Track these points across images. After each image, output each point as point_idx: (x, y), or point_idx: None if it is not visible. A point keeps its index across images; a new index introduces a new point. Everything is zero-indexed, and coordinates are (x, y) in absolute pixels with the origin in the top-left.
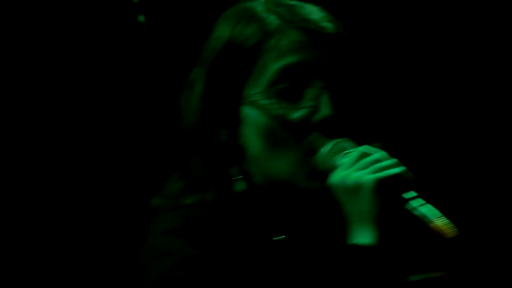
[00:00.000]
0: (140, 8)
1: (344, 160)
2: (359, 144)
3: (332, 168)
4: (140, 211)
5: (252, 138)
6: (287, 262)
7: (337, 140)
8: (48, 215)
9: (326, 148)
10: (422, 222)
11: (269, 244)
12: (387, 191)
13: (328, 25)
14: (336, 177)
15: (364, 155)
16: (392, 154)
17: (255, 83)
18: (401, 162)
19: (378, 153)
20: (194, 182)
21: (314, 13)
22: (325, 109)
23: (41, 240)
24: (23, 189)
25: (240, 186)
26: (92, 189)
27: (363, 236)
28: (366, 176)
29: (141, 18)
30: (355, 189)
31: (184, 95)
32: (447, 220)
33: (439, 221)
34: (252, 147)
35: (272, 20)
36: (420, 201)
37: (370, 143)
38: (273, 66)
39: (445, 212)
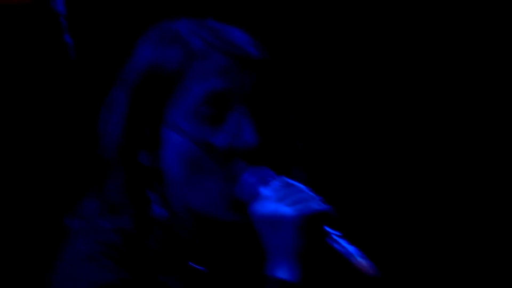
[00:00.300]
0: (67, 28)
1: (265, 189)
2: (280, 172)
3: (251, 198)
4: (51, 227)
5: (172, 162)
6: None
7: (259, 168)
8: None
9: (247, 175)
10: (344, 260)
11: (187, 274)
12: (309, 227)
13: (252, 50)
14: (256, 207)
15: (287, 185)
16: (313, 179)
17: (177, 105)
18: (320, 194)
19: (299, 185)
20: (110, 204)
21: (239, 37)
22: (247, 135)
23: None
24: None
25: (158, 212)
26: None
27: (282, 271)
28: (287, 208)
29: (67, 38)
30: (277, 222)
31: (103, 115)
32: (369, 260)
33: (362, 260)
34: (171, 172)
35: (196, 42)
36: (342, 239)
37: (291, 169)
38: (196, 90)
39: (366, 251)
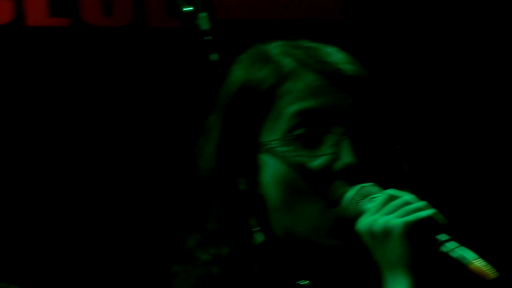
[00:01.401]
0: (213, 46)
1: (371, 204)
2: (386, 188)
3: (358, 215)
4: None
5: (271, 188)
6: None
7: (363, 185)
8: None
9: (351, 193)
10: (459, 265)
11: None
12: (418, 235)
13: (347, 67)
14: (363, 223)
15: (392, 198)
16: (421, 198)
17: (271, 129)
18: (431, 204)
19: (406, 196)
20: (210, 235)
21: (333, 54)
22: (346, 157)
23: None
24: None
25: (259, 238)
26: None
27: (397, 284)
28: (395, 220)
29: (214, 56)
30: (384, 234)
31: (200, 142)
32: (485, 261)
33: (478, 263)
34: (271, 198)
35: (288, 63)
36: (454, 243)
37: (397, 188)
38: (289, 110)
39: (481, 254)
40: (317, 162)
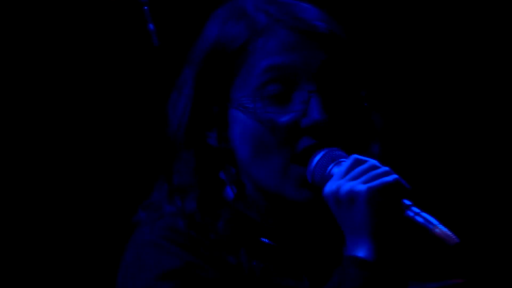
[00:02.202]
0: (149, 16)
1: (337, 169)
2: (351, 152)
3: (324, 179)
4: (124, 221)
5: (239, 142)
6: (275, 271)
7: (328, 149)
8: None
9: (316, 158)
10: (422, 231)
11: (256, 250)
12: (382, 201)
13: (320, 24)
14: (329, 188)
15: (358, 162)
16: (387, 161)
17: (242, 85)
18: (395, 170)
19: (372, 161)
20: (179, 188)
21: (307, 11)
22: (314, 113)
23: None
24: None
25: (230, 192)
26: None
27: (360, 249)
28: (360, 186)
29: (150, 26)
30: (349, 200)
31: (172, 97)
32: (447, 228)
33: (442, 228)
34: (240, 152)
35: (261, 18)
36: (417, 209)
37: (364, 149)
38: (260, 67)
39: (443, 220)
40: (285, 118)
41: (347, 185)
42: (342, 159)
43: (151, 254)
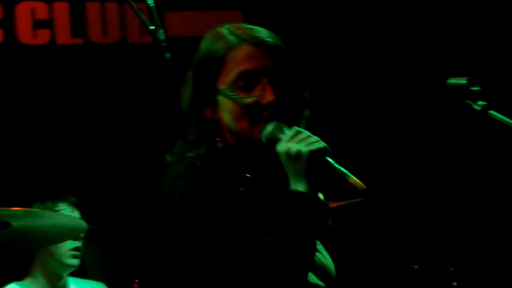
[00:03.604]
0: (166, 47)
1: (284, 135)
2: (291, 124)
3: (274, 141)
4: (155, 167)
5: (225, 115)
6: (253, 196)
7: (276, 122)
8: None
9: (269, 127)
10: (341, 178)
11: (242, 181)
12: (316, 158)
13: (270, 40)
14: (281, 147)
15: (299, 132)
16: (313, 131)
17: (223, 81)
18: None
19: (307, 132)
20: (191, 143)
21: (260, 32)
22: (268, 96)
23: None
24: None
25: (219, 145)
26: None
27: (299, 186)
28: (304, 148)
29: (167, 55)
30: (296, 156)
31: (182, 89)
32: (357, 178)
33: (354, 178)
34: (225, 120)
35: (232, 39)
36: (338, 165)
37: (299, 120)
38: (234, 71)
39: (354, 173)
40: (250, 100)
41: (295, 146)
42: (285, 128)
43: (176, 182)
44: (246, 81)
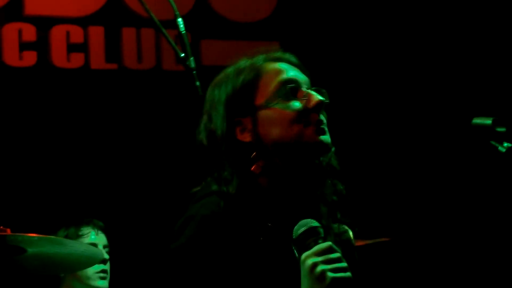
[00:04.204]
0: (197, 75)
1: (315, 246)
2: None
3: (303, 244)
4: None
5: (271, 129)
6: (271, 248)
7: (310, 221)
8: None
9: (302, 226)
10: None
11: (264, 230)
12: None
13: (292, 58)
14: (308, 259)
15: (331, 249)
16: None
17: (262, 96)
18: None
19: (338, 253)
20: (222, 177)
21: (282, 53)
22: (315, 97)
23: None
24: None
25: (257, 169)
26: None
27: None
28: (330, 273)
29: (197, 83)
30: (319, 277)
31: (201, 128)
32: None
33: None
34: (272, 134)
35: (259, 59)
36: None
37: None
38: (274, 81)
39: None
40: (298, 104)
41: (321, 267)
42: (319, 240)
43: (191, 226)
44: (289, 89)
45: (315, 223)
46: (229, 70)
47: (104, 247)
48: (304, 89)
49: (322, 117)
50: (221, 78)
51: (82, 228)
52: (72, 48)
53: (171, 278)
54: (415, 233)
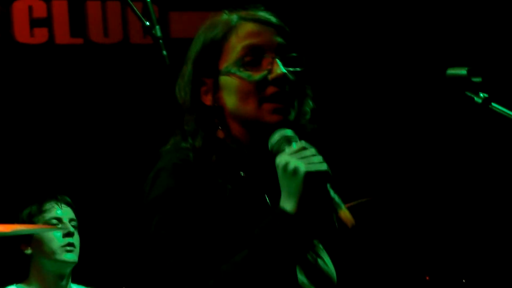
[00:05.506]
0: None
1: (288, 148)
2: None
3: (278, 151)
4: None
5: (229, 98)
6: (242, 196)
7: (284, 131)
8: None
9: (276, 136)
10: (333, 208)
11: (234, 178)
12: (313, 180)
13: (272, 18)
14: (281, 159)
15: (304, 148)
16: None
17: (226, 59)
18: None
19: (313, 149)
20: (189, 132)
21: (263, 12)
22: (277, 69)
23: None
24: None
25: (220, 134)
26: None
27: (288, 205)
28: (303, 166)
29: (164, 52)
30: (293, 173)
31: (178, 83)
32: (350, 212)
33: (345, 212)
34: (228, 103)
35: (234, 18)
36: (333, 192)
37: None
38: (238, 46)
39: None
40: (258, 75)
41: (294, 162)
42: (293, 140)
43: (162, 176)
44: (252, 57)
45: (289, 132)
46: (207, 23)
47: (70, 220)
48: (271, 57)
49: (286, 91)
50: (199, 31)
51: (45, 204)
52: (35, 23)
53: (154, 231)
54: (395, 191)
